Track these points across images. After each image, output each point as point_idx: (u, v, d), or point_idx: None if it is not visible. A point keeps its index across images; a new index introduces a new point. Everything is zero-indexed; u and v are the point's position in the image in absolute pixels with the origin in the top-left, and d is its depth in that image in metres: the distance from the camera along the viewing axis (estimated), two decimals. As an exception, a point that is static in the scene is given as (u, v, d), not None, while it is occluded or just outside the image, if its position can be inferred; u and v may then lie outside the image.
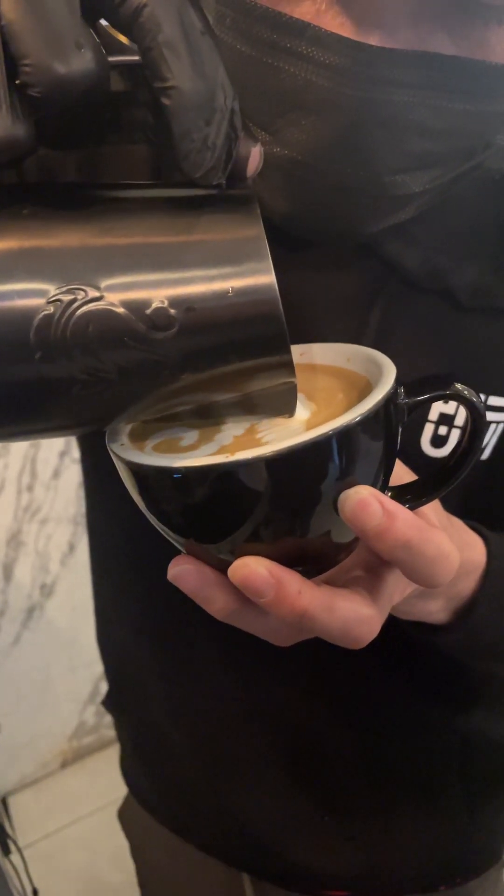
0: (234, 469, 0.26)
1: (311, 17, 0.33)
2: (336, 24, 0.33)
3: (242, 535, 0.28)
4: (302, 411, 0.31)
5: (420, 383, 0.31)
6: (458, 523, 0.41)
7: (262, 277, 0.25)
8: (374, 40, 0.32)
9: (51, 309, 0.24)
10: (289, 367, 0.27)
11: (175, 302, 0.24)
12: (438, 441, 0.46)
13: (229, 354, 0.26)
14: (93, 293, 0.24)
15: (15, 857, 1.23)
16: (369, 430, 0.28)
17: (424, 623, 0.42)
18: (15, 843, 1.25)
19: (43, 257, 0.24)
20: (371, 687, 0.54)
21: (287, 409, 0.30)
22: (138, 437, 0.31)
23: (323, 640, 0.32)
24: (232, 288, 0.25)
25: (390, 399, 0.28)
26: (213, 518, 0.28)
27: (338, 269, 0.44)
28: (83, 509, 0.66)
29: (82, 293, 0.24)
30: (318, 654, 0.51)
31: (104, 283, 0.24)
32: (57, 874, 1.50)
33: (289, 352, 0.26)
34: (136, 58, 0.24)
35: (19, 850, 1.24)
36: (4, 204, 0.25)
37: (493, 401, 0.46)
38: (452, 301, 0.44)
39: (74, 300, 0.24)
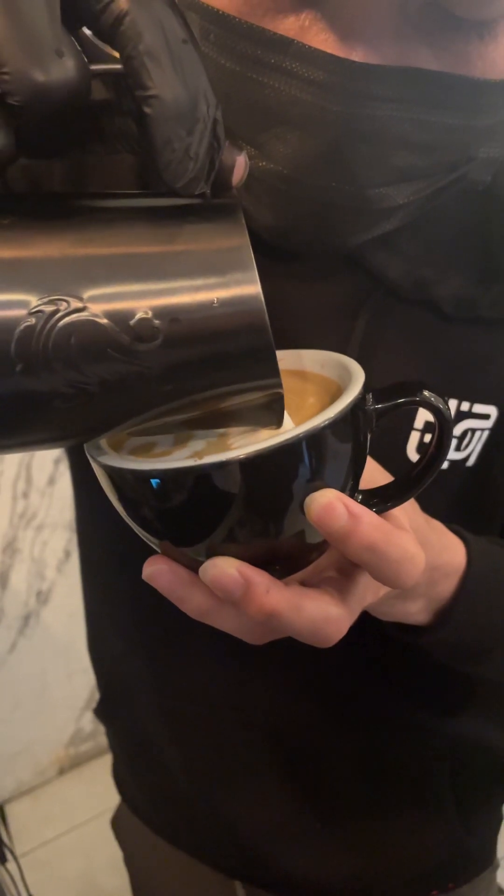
0: (205, 471, 0.26)
1: (295, 33, 0.33)
2: (320, 39, 0.33)
3: (215, 536, 0.28)
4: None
5: (390, 389, 0.32)
6: (437, 526, 0.41)
7: (248, 288, 0.24)
8: (357, 56, 0.32)
9: (32, 320, 0.23)
10: (275, 377, 0.26)
11: (159, 313, 0.24)
12: (424, 448, 0.46)
13: (215, 366, 0.25)
14: (75, 304, 0.23)
15: (11, 865, 1.23)
16: (337, 433, 0.28)
17: (405, 624, 0.42)
18: (11, 851, 1.24)
19: (24, 268, 0.24)
20: (362, 694, 0.55)
21: (274, 419, 0.29)
22: (115, 442, 0.31)
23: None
24: (217, 298, 0.24)
25: (358, 404, 0.29)
26: (186, 520, 0.29)
27: (324, 280, 0.45)
28: (75, 516, 0.66)
29: (65, 304, 0.23)
30: (310, 662, 0.51)
31: (87, 294, 0.24)
32: (53, 882, 1.50)
33: (275, 363, 0.26)
34: (119, 66, 0.24)
35: (15, 858, 1.24)
36: None
37: (478, 408, 0.46)
38: (437, 311, 0.44)
39: (56, 311, 0.23)
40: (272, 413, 0.29)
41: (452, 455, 0.47)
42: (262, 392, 0.27)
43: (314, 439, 0.27)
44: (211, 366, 0.25)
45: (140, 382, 0.25)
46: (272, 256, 0.41)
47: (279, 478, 0.27)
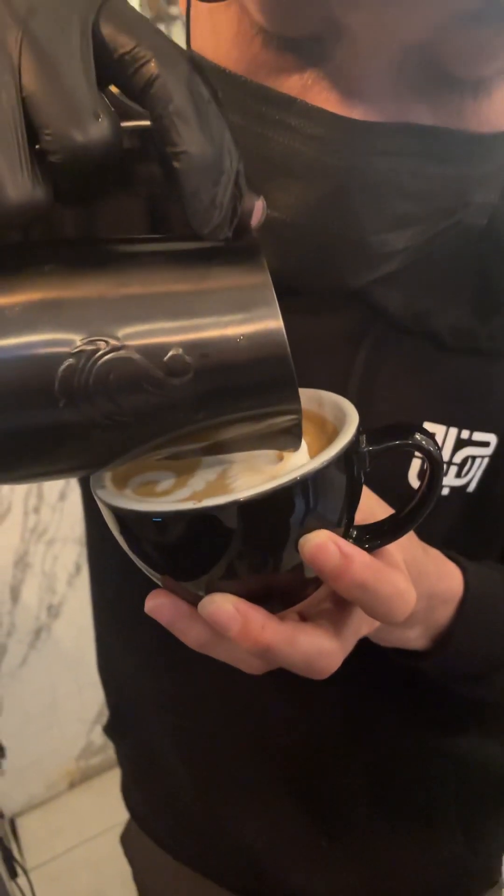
0: (204, 513, 0.28)
1: (298, 92, 0.35)
2: (322, 98, 0.34)
3: (214, 572, 0.30)
4: (276, 459, 0.33)
5: (384, 431, 0.33)
6: (435, 554, 0.42)
7: (271, 322, 0.26)
8: (357, 113, 0.34)
9: (73, 360, 0.25)
10: (296, 405, 0.28)
11: (190, 348, 0.26)
12: (424, 476, 0.47)
13: (241, 396, 0.27)
14: (113, 343, 0.25)
15: (21, 879, 1.24)
16: (332, 475, 0.29)
17: (405, 650, 0.43)
18: (22, 866, 1.25)
19: (66, 310, 0.25)
20: (368, 715, 0.56)
21: (293, 443, 0.31)
22: (119, 481, 0.33)
23: None
24: (243, 334, 0.26)
25: (352, 447, 0.30)
26: (186, 557, 0.30)
27: (326, 313, 0.46)
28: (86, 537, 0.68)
29: (103, 343, 0.25)
30: (318, 684, 0.52)
31: (123, 333, 0.25)
32: (64, 896, 1.50)
33: (296, 391, 0.27)
34: (147, 123, 0.26)
35: (25, 872, 1.25)
36: (28, 261, 0.26)
37: (478, 436, 0.47)
38: (436, 342, 0.45)
39: (96, 350, 0.25)
40: (291, 437, 0.30)
41: (453, 482, 0.48)
42: (283, 418, 0.28)
43: (309, 482, 0.28)
44: (238, 395, 0.27)
45: (172, 413, 0.26)
46: (276, 292, 0.43)
47: (276, 519, 0.29)
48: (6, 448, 0.27)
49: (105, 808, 1.67)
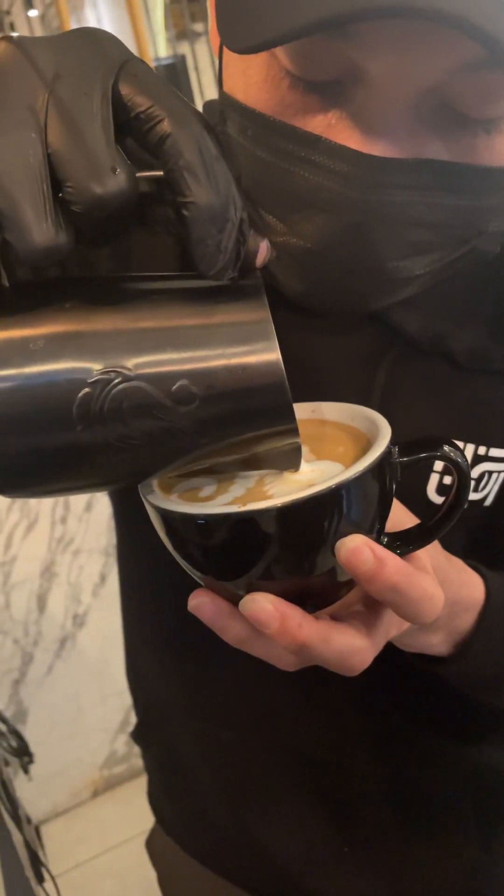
0: (247, 517, 0.30)
1: (323, 130, 0.37)
2: (344, 136, 0.37)
3: (254, 573, 0.32)
4: (307, 465, 0.35)
5: (414, 444, 0.35)
6: (457, 562, 0.44)
7: (270, 355, 0.29)
8: (377, 150, 0.36)
9: (94, 387, 0.28)
10: (293, 430, 0.30)
11: (196, 379, 0.28)
12: (443, 489, 0.49)
13: (243, 422, 0.29)
14: (126, 373, 0.28)
15: (48, 884, 1.25)
16: (366, 484, 0.31)
17: (427, 655, 0.45)
18: (48, 870, 1.27)
19: (84, 342, 0.28)
20: (389, 722, 0.57)
21: (293, 465, 0.33)
22: (166, 487, 0.35)
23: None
24: (244, 365, 0.28)
25: (385, 458, 0.32)
26: (228, 558, 0.32)
27: (346, 334, 0.48)
28: (115, 540, 0.70)
29: (117, 373, 0.28)
30: (340, 691, 0.54)
31: (135, 363, 0.28)
32: (88, 904, 1.51)
33: (293, 417, 0.30)
34: (160, 173, 0.28)
35: (52, 878, 1.26)
36: (51, 297, 0.29)
37: (494, 452, 0.49)
38: (453, 363, 0.47)
39: (111, 380, 0.28)
40: (291, 459, 0.33)
41: (471, 496, 0.50)
42: (283, 442, 0.31)
43: (346, 490, 0.30)
44: (239, 421, 0.29)
45: (179, 437, 0.29)
46: (300, 314, 0.45)
47: (313, 524, 0.31)
48: (28, 466, 0.29)
49: (128, 817, 1.68)
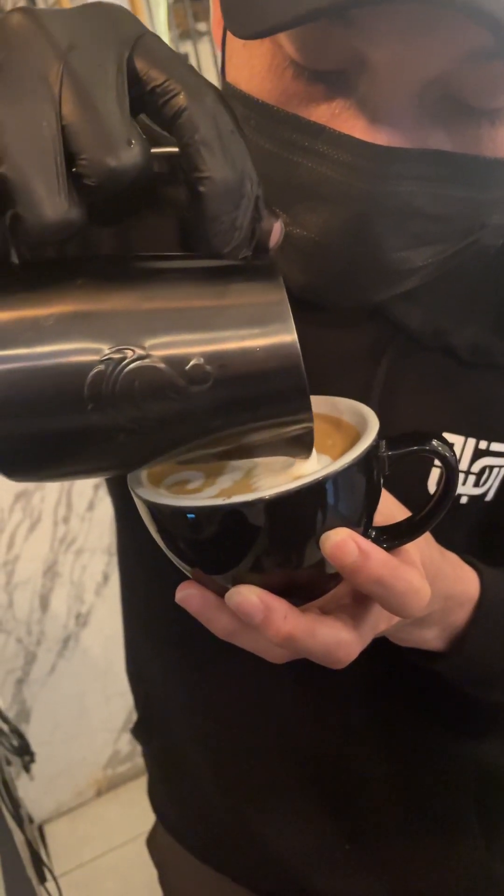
0: (233, 509, 0.30)
1: (327, 120, 0.37)
2: (348, 125, 0.36)
3: (241, 566, 0.32)
4: (298, 461, 0.34)
5: (402, 438, 0.34)
6: (452, 557, 0.43)
7: (286, 337, 0.28)
8: (381, 139, 0.36)
9: (102, 367, 0.27)
10: (308, 414, 0.30)
11: (210, 359, 0.27)
12: (441, 480, 0.48)
13: (257, 404, 0.29)
14: (139, 352, 0.27)
15: (50, 884, 1.25)
16: (353, 477, 0.31)
17: (422, 650, 0.45)
18: (51, 870, 1.27)
19: (96, 321, 0.27)
20: (390, 719, 0.56)
21: (304, 450, 0.33)
22: (155, 480, 0.35)
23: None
24: (259, 346, 0.28)
25: (372, 451, 0.32)
26: (215, 550, 0.32)
27: (348, 328, 0.48)
28: (116, 544, 0.69)
29: (130, 352, 0.27)
30: (342, 689, 0.54)
31: (149, 343, 0.27)
32: (91, 903, 1.51)
33: (308, 401, 0.29)
34: (175, 150, 0.28)
35: (55, 878, 1.26)
36: (62, 275, 0.29)
37: (495, 447, 0.48)
38: (454, 357, 0.47)
39: (123, 358, 0.27)
40: (303, 445, 0.32)
41: (471, 491, 0.49)
42: (296, 426, 0.30)
43: (332, 482, 0.30)
44: (253, 403, 0.29)
45: (192, 418, 0.28)
46: (301, 307, 0.44)
47: (299, 516, 0.31)
48: (40, 447, 0.29)
49: (132, 816, 1.68)
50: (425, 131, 0.36)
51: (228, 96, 0.41)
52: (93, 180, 0.25)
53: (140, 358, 0.27)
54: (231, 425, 0.29)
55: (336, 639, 0.32)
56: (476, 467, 0.49)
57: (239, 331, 0.28)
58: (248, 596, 0.31)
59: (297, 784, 0.59)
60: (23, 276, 0.29)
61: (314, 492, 0.30)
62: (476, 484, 0.49)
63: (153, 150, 0.27)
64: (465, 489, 0.49)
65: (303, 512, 0.31)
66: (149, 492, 0.33)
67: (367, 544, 0.31)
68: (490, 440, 0.48)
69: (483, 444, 0.48)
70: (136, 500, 0.33)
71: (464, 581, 0.43)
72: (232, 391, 0.28)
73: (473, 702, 0.54)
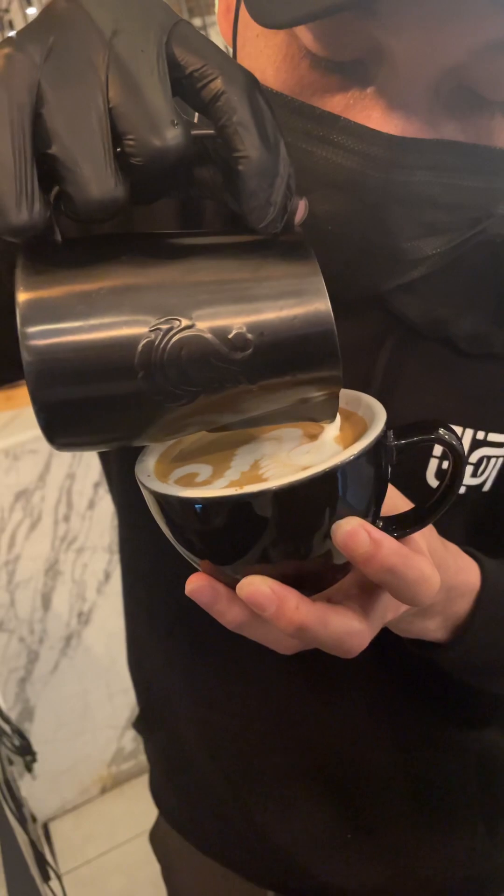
0: (243, 500, 0.30)
1: (341, 110, 0.37)
2: (363, 115, 0.37)
3: (250, 556, 0.32)
4: (304, 448, 0.35)
5: (409, 427, 0.35)
6: (453, 548, 0.44)
7: (320, 305, 0.30)
8: (395, 129, 0.36)
9: (152, 336, 0.28)
10: (338, 378, 0.31)
11: (251, 328, 0.29)
12: (442, 474, 0.48)
13: (293, 368, 0.30)
14: (185, 322, 0.29)
15: (54, 883, 1.25)
16: (362, 467, 0.31)
17: (424, 641, 0.45)
18: (54, 869, 1.27)
19: (144, 293, 0.29)
20: (392, 709, 0.57)
21: (330, 414, 0.34)
22: (162, 473, 0.35)
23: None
24: (296, 314, 0.30)
25: (381, 441, 0.32)
26: (225, 542, 0.32)
27: (348, 319, 0.48)
28: (118, 538, 0.69)
29: (177, 322, 0.29)
30: (343, 679, 0.54)
31: (194, 314, 0.29)
32: (96, 900, 1.51)
33: (339, 364, 0.31)
34: (212, 131, 0.29)
35: (58, 876, 1.26)
36: (106, 252, 0.30)
37: (493, 437, 0.48)
38: (454, 348, 0.47)
39: (171, 328, 0.28)
40: (328, 408, 0.33)
41: (469, 481, 0.49)
42: (325, 388, 0.32)
43: (341, 472, 0.30)
44: (290, 368, 0.30)
45: (234, 383, 0.30)
46: None
47: (309, 506, 0.31)
48: (91, 414, 0.30)
49: (136, 813, 1.68)
50: (439, 122, 0.37)
51: None
52: (139, 160, 0.26)
53: (187, 328, 0.29)
54: (269, 390, 0.31)
55: (347, 628, 0.33)
56: (474, 457, 0.49)
57: (277, 301, 0.30)
58: (260, 586, 0.31)
59: (298, 773, 0.59)
60: (69, 254, 0.30)
61: (324, 481, 0.30)
62: (474, 474, 0.49)
63: (193, 133, 0.28)
64: (464, 480, 0.49)
65: (313, 502, 0.31)
66: (158, 484, 0.33)
67: (379, 533, 0.31)
68: (487, 430, 0.48)
69: (481, 435, 0.48)
70: (146, 493, 0.33)
71: (465, 571, 0.43)
72: (271, 357, 0.30)
73: (474, 693, 0.53)
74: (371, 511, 0.33)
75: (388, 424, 0.34)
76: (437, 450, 0.48)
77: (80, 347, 0.28)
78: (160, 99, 0.26)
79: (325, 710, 0.57)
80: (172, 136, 0.26)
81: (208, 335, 0.29)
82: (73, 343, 0.28)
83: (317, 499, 0.31)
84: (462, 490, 0.49)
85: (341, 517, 0.31)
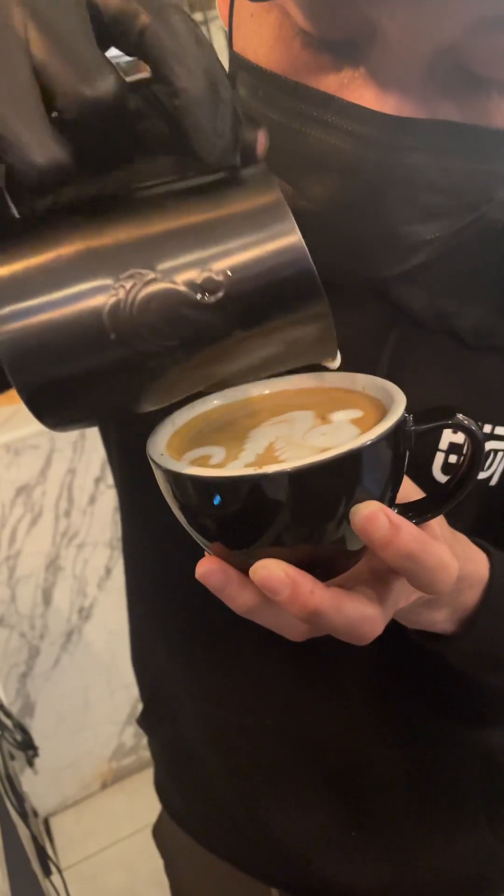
0: (259, 480, 0.29)
1: (335, 90, 0.37)
2: (357, 95, 0.36)
3: (264, 540, 0.31)
4: (320, 430, 0.34)
5: (427, 413, 0.34)
6: (462, 539, 0.43)
7: (290, 236, 0.28)
8: (390, 109, 0.35)
9: (119, 294, 0.27)
10: (324, 308, 0.30)
11: (219, 269, 0.28)
12: (448, 468, 0.48)
13: (272, 307, 0.29)
14: (150, 275, 0.28)
15: (55, 877, 1.25)
16: (379, 451, 0.31)
17: (430, 632, 0.44)
18: (55, 864, 1.27)
19: (102, 254, 0.28)
20: (397, 706, 0.56)
21: (329, 353, 0.33)
22: (174, 453, 0.35)
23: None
24: (264, 247, 0.28)
25: (401, 425, 0.32)
26: (238, 524, 0.31)
27: (353, 310, 0.47)
28: (119, 533, 0.69)
29: (141, 276, 0.28)
30: (348, 675, 0.53)
31: (158, 265, 0.28)
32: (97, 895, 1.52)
33: (323, 297, 0.29)
34: (147, 75, 0.28)
35: (60, 871, 1.26)
36: (61, 220, 0.29)
37: (500, 430, 0.48)
38: (459, 340, 0.46)
39: (135, 284, 0.27)
40: (326, 345, 0.32)
41: None
42: (315, 324, 0.30)
43: (359, 455, 0.30)
44: (268, 304, 0.29)
45: (212, 331, 0.29)
46: None
47: (326, 488, 0.30)
48: (77, 386, 0.29)
49: (137, 808, 1.68)
50: (434, 102, 0.36)
51: (236, 67, 0.40)
52: (72, 113, 0.25)
53: (152, 281, 0.28)
54: (251, 330, 0.29)
55: (361, 614, 0.32)
56: None
57: (241, 237, 0.28)
58: (274, 570, 0.30)
59: (303, 771, 0.59)
60: (26, 229, 0.29)
61: (347, 463, 0.30)
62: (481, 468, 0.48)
63: (127, 79, 0.27)
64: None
65: (330, 484, 0.30)
66: (174, 463, 0.32)
67: (398, 518, 0.30)
68: (494, 424, 0.48)
69: (487, 428, 0.48)
70: (158, 473, 0.32)
71: (474, 562, 0.43)
72: (246, 297, 0.28)
73: (479, 690, 0.53)
74: (387, 497, 0.33)
75: (407, 409, 0.33)
76: (444, 443, 0.48)
77: (47, 323, 0.27)
78: (84, 48, 0.25)
79: (330, 708, 0.56)
80: (102, 83, 0.25)
81: (175, 284, 0.28)
82: (40, 320, 0.27)
83: (335, 481, 0.30)
84: None
85: (359, 501, 0.30)
